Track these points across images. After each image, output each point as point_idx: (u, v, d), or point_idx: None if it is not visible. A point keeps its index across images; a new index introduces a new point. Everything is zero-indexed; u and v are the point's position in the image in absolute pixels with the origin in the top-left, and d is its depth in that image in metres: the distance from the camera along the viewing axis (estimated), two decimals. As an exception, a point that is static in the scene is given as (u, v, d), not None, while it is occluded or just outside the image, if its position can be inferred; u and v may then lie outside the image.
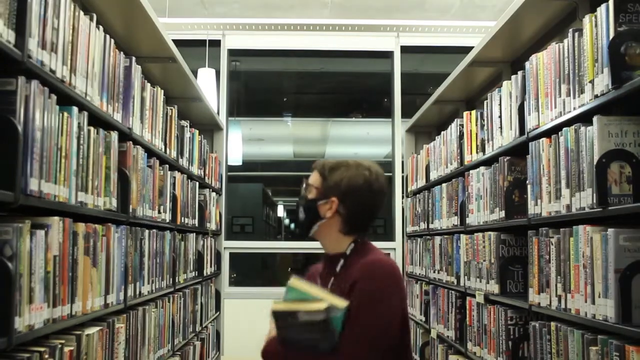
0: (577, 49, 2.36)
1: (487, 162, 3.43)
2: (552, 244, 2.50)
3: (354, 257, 1.98)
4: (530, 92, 2.81)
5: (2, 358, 1.68)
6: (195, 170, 4.43)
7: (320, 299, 1.80)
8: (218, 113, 5.80)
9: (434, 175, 4.69)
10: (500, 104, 3.27)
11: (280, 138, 7.29)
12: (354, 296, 1.83)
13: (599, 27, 2.19)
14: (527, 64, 2.85)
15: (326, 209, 2.01)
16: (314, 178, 2.06)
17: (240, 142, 6.62)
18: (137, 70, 2.86)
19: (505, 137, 3.16)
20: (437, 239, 4.49)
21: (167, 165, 3.49)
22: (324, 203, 2.01)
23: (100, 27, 2.40)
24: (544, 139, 2.62)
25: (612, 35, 2.10)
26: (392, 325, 1.87)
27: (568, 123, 2.40)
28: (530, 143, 2.75)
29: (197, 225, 4.49)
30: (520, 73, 2.99)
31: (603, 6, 2.17)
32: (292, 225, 7.24)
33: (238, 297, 5.91)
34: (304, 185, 2.07)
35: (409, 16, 6.15)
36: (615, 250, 2.04)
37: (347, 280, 1.90)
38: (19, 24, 1.75)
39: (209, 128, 5.65)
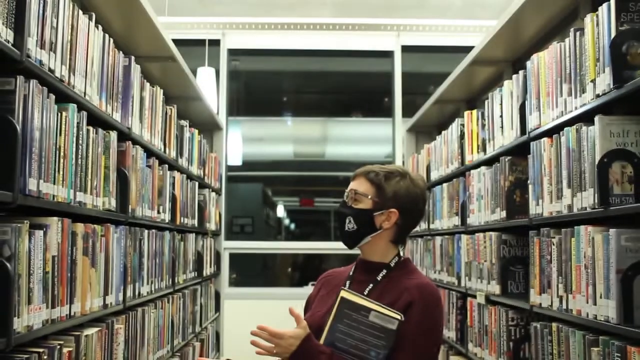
0: (579, 48, 2.35)
1: (488, 162, 3.42)
2: (553, 244, 2.49)
3: (398, 271, 1.96)
4: (531, 91, 2.80)
5: (1, 359, 1.67)
6: (194, 170, 4.42)
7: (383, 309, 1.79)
8: (218, 113, 5.79)
9: (434, 175, 4.67)
10: (501, 104, 3.26)
11: (280, 138, 7.27)
12: (410, 317, 1.82)
13: (600, 26, 2.18)
14: (528, 64, 2.84)
15: (382, 220, 1.94)
16: (365, 187, 1.96)
17: (240, 142, 6.61)
18: (136, 70, 2.85)
19: (506, 136, 3.15)
20: (438, 239, 4.48)
21: (167, 165, 3.48)
22: (380, 214, 1.94)
23: (99, 27, 2.39)
24: (545, 138, 2.61)
25: (613, 34, 2.10)
26: (438, 352, 1.93)
27: (569, 123, 2.39)
28: (531, 143, 2.74)
29: (196, 225, 4.48)
30: (521, 72, 2.98)
31: (604, 5, 2.16)
32: (293, 226, 7.22)
33: (238, 297, 5.90)
34: (350, 194, 1.97)
35: (410, 15, 6.14)
36: (616, 250, 2.03)
37: (393, 293, 1.89)
38: (18, 23, 1.75)
39: (209, 128, 5.64)
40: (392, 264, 1.97)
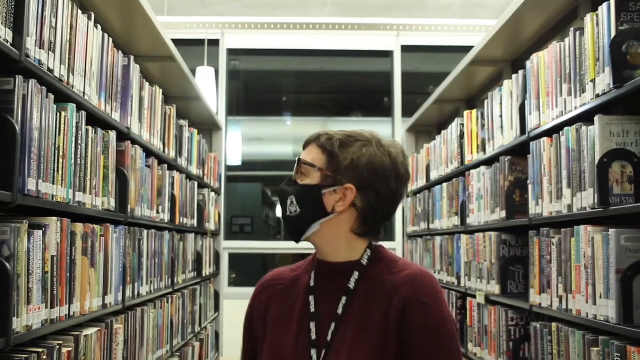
0: (579, 48, 2.35)
1: (488, 162, 3.42)
2: (553, 244, 2.49)
3: (375, 269, 1.42)
4: (531, 91, 2.80)
5: (1, 359, 1.67)
6: (194, 170, 4.42)
7: None
8: (217, 113, 5.79)
9: (434, 175, 4.67)
10: (501, 104, 3.26)
11: (279, 137, 7.27)
12: (410, 325, 1.34)
13: (600, 26, 2.18)
14: (528, 63, 2.84)
15: (335, 200, 1.40)
16: (314, 155, 1.42)
17: (240, 142, 6.61)
18: (135, 70, 2.85)
19: (506, 136, 3.15)
20: (438, 239, 4.48)
21: (166, 165, 3.47)
22: (332, 192, 1.39)
23: (99, 26, 2.39)
24: (545, 138, 2.61)
25: (613, 34, 2.10)
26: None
27: (569, 122, 2.39)
28: (531, 143, 2.74)
29: (196, 225, 4.48)
30: (521, 72, 2.98)
31: (604, 5, 2.16)
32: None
33: (237, 297, 5.88)
34: (297, 167, 1.45)
35: (410, 15, 6.14)
36: (616, 250, 2.03)
37: (381, 302, 1.37)
38: (17, 23, 1.75)
39: (208, 128, 5.64)
40: (365, 261, 1.43)
